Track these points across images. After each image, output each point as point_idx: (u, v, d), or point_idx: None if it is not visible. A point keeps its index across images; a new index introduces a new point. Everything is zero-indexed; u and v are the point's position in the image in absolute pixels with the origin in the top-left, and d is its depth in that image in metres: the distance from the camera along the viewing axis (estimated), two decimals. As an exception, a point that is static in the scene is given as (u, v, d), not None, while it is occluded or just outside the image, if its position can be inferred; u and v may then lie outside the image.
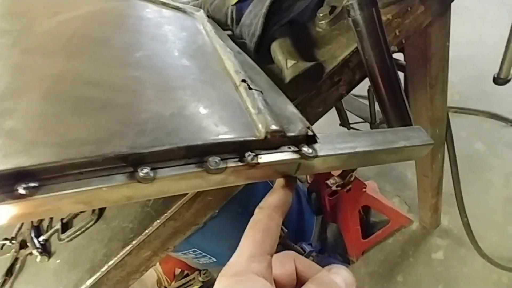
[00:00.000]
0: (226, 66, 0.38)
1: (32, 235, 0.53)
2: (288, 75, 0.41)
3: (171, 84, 0.33)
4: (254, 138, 0.26)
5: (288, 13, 0.51)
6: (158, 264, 1.62)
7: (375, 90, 0.44)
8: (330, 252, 1.43)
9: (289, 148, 0.28)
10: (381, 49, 0.40)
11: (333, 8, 0.49)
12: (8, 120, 0.26)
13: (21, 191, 0.21)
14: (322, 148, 0.28)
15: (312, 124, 0.50)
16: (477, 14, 1.99)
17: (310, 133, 0.28)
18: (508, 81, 0.59)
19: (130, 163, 0.24)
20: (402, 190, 1.50)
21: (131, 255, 0.43)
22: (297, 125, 0.29)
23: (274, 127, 0.27)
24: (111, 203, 0.24)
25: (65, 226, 0.52)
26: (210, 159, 0.25)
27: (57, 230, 0.52)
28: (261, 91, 0.32)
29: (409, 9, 0.45)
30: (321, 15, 0.51)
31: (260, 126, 0.27)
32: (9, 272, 0.52)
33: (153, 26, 0.46)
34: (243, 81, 0.33)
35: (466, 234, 1.01)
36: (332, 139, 0.30)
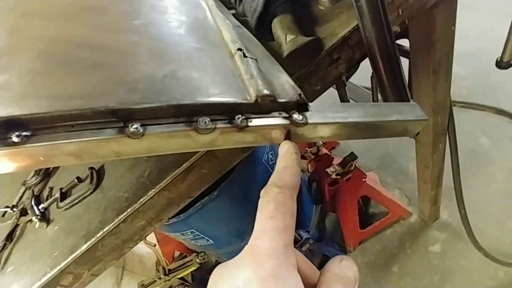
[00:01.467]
0: (224, 36, 0.38)
1: (33, 203, 0.54)
2: (286, 49, 0.41)
3: (166, 50, 0.33)
4: (244, 101, 0.26)
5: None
6: (158, 246, 1.64)
7: (373, 67, 0.43)
8: (328, 240, 1.43)
9: (280, 114, 0.28)
10: (381, 25, 0.39)
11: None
12: (2, 75, 0.26)
13: (14, 139, 0.22)
14: (313, 116, 0.28)
15: (312, 101, 0.49)
16: (491, 7, 1.94)
17: (301, 100, 0.28)
18: (511, 65, 0.57)
19: (120, 118, 0.24)
20: (403, 183, 1.49)
21: (126, 223, 0.44)
22: (289, 92, 0.29)
23: (265, 91, 0.27)
24: (100, 158, 0.25)
25: (64, 195, 0.53)
26: (200, 119, 0.25)
27: (56, 199, 0.53)
28: (255, 59, 0.32)
29: (413, -12, 0.45)
30: (323, -7, 0.50)
31: (251, 90, 0.27)
32: (9, 237, 0.53)
33: (153, -3, 0.46)
34: (239, 49, 0.33)
35: (464, 227, 1.00)
36: (324, 108, 0.30)
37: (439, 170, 0.95)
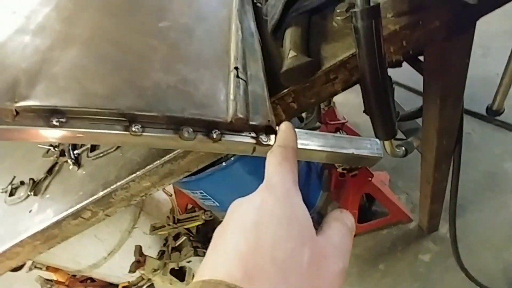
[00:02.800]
0: (231, 48, 0.44)
1: (70, 147, 0.67)
2: (284, 65, 0.46)
3: (178, 58, 0.40)
4: (221, 120, 0.34)
5: (309, 3, 0.54)
6: (174, 197, 1.83)
7: (364, 97, 0.48)
8: (324, 226, 1.52)
9: (250, 133, 0.35)
10: (374, 60, 0.43)
11: (351, 6, 0.51)
12: (53, 67, 0.35)
13: (54, 122, 0.31)
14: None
15: (305, 111, 0.55)
16: None
17: (269, 125, 0.35)
18: (500, 113, 0.57)
19: (127, 119, 0.33)
20: (412, 189, 1.50)
21: (134, 182, 0.55)
22: (261, 117, 0.35)
23: (239, 115, 0.34)
24: (111, 144, 0.34)
25: (93, 147, 0.65)
26: (185, 129, 0.33)
27: (87, 149, 0.65)
28: (245, 81, 0.38)
29: (420, 22, 0.46)
30: (338, 10, 0.53)
31: (230, 111, 0.34)
32: (50, 171, 0.67)
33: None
34: (235, 68, 0.39)
35: (451, 245, 1.03)
36: (289, 134, 0.36)
37: (440, 188, 0.96)
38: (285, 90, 0.48)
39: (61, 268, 1.58)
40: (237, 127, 0.34)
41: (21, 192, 0.69)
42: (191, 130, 0.33)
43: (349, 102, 1.74)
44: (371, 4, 0.41)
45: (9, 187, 0.72)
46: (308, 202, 1.60)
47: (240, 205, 0.26)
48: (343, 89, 0.52)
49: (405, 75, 0.90)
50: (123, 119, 0.33)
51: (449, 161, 0.84)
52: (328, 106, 1.54)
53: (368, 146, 0.38)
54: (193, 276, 1.67)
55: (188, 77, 0.38)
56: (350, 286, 1.36)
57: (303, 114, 1.74)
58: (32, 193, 0.66)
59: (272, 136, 0.35)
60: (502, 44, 1.76)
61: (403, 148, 0.73)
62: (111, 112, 0.32)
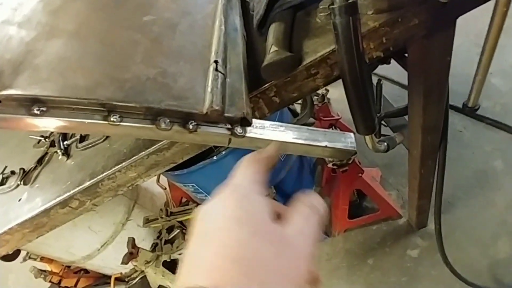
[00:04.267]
0: (213, 42, 0.45)
1: (60, 138, 0.69)
2: (266, 59, 0.47)
3: (159, 51, 0.41)
4: (197, 112, 0.35)
5: (293, -1, 0.55)
6: (169, 190, 1.85)
7: (345, 91, 0.49)
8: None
9: (225, 125, 0.36)
10: (352, 56, 0.44)
11: (332, 2, 0.52)
12: (36, 58, 0.36)
13: (35, 111, 0.33)
14: (252, 131, 0.37)
15: (288, 105, 0.56)
16: None
17: (244, 117, 0.36)
18: (476, 109, 0.58)
19: (106, 109, 0.34)
20: (403, 186, 1.52)
21: (121, 173, 0.56)
22: (237, 109, 0.37)
23: (215, 107, 0.35)
24: (91, 133, 0.35)
25: (83, 138, 0.66)
26: (162, 119, 0.34)
27: (76, 140, 0.66)
28: (224, 74, 0.39)
29: (399, 19, 0.47)
30: (321, 7, 0.55)
31: (206, 103, 0.36)
32: (40, 161, 0.69)
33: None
34: (215, 61, 0.41)
35: (436, 241, 1.05)
36: (265, 126, 0.37)
37: (427, 184, 0.98)
38: (267, 85, 0.49)
39: (55, 259, 1.60)
40: (212, 118, 0.35)
41: (12, 181, 0.70)
42: (168, 121, 0.35)
43: (343, 99, 1.76)
44: (349, 0, 0.42)
45: (0, 177, 0.73)
46: (300, 197, 1.62)
47: (206, 213, 0.26)
48: (325, 84, 0.53)
49: (397, 71, 0.92)
50: (102, 109, 0.34)
51: (434, 157, 0.86)
52: (322, 102, 1.55)
53: (342, 139, 0.39)
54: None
55: (168, 70, 0.39)
56: (339, 280, 1.38)
57: (298, 110, 1.75)
58: (22, 183, 0.68)
59: (248, 128, 0.36)
60: (498, 43, 1.77)
61: (385, 143, 0.74)
62: (91, 102, 0.33)
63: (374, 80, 0.83)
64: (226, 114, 0.36)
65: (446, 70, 0.60)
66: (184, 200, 1.82)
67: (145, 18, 0.45)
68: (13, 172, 0.71)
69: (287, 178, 1.44)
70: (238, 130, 0.36)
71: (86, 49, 0.39)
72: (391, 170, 1.61)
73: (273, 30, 0.52)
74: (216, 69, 0.39)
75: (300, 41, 0.52)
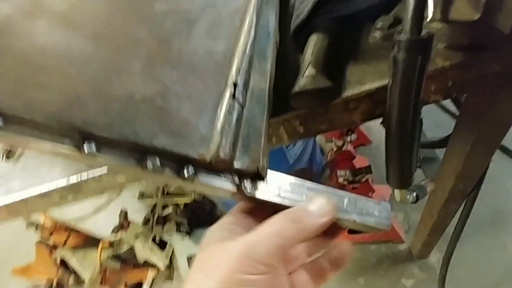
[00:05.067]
0: (236, 52, 0.36)
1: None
2: (298, 85, 0.38)
3: (166, 59, 0.32)
4: (198, 158, 0.27)
5: (345, 7, 0.44)
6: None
7: (386, 136, 0.40)
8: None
9: (231, 176, 0.28)
10: (408, 102, 0.35)
11: (395, 22, 0.41)
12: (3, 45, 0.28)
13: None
14: (264, 190, 0.28)
15: (312, 136, 0.47)
16: None
17: (257, 172, 0.28)
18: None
19: (80, 135, 0.26)
20: (412, 209, 1.44)
21: (108, 176, 0.49)
22: (251, 159, 0.28)
23: (222, 155, 0.27)
24: (58, 157, 0.27)
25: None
26: (150, 159, 0.26)
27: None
28: (242, 105, 0.31)
29: (476, 63, 0.37)
30: (378, 25, 0.44)
31: (212, 146, 0.27)
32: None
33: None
34: (234, 84, 0.32)
35: (438, 282, 0.99)
36: (281, 184, 0.29)
37: (442, 225, 0.90)
38: (294, 112, 0.40)
39: (46, 215, 1.60)
40: (217, 168, 0.27)
41: (-5, 153, 0.64)
42: (158, 163, 0.26)
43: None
44: (424, 32, 0.32)
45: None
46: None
47: (218, 255, 0.25)
48: (362, 121, 0.44)
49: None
50: (74, 134, 0.26)
51: (460, 202, 0.77)
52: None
53: (375, 213, 0.31)
54: (173, 250, 1.68)
55: (171, 89, 0.30)
56: (325, 293, 1.34)
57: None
58: (5, 156, 0.61)
59: (261, 185, 0.28)
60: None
61: (415, 194, 0.65)
62: (62, 124, 0.25)
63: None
64: (235, 166, 0.27)
65: (509, 126, 0.49)
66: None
67: (156, 6, 0.36)
68: (-2, 143, 0.65)
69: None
70: (248, 186, 0.27)
71: (71, 42, 0.30)
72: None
73: (314, 43, 0.42)
74: (234, 97, 0.30)
75: (343, 64, 0.42)
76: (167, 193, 1.47)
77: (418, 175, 1.03)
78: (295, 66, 0.43)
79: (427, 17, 0.36)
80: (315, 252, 0.31)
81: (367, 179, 1.16)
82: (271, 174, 0.29)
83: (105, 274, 1.56)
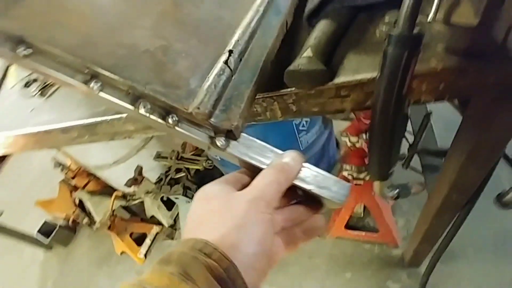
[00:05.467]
0: (241, 24, 0.39)
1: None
2: (293, 64, 0.41)
3: (176, 19, 0.36)
4: (181, 108, 0.31)
5: (358, -2, 0.45)
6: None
7: (369, 128, 0.42)
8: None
9: (209, 131, 0.32)
10: (390, 95, 0.37)
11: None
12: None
13: (20, 51, 0.30)
14: (234, 147, 0.32)
15: (304, 117, 0.50)
16: None
17: (231, 129, 0.32)
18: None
19: (89, 73, 0.31)
20: (415, 216, 1.42)
21: (119, 122, 0.55)
22: (227, 118, 0.32)
23: (202, 109, 0.31)
24: (70, 89, 0.33)
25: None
26: (142, 103, 0.31)
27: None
28: (231, 70, 0.34)
29: (470, 70, 0.38)
30: (386, 20, 0.45)
31: (195, 100, 0.31)
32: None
33: None
34: (230, 51, 0.35)
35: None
36: (251, 145, 0.33)
37: (434, 234, 0.90)
38: (287, 90, 0.43)
39: (72, 158, 1.74)
40: (196, 120, 0.31)
41: (33, 88, 0.72)
42: (149, 106, 0.31)
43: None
44: (416, 29, 0.33)
45: (27, 79, 0.76)
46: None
47: (232, 201, 0.30)
48: (352, 110, 0.46)
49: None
50: (85, 71, 0.31)
51: (452, 214, 0.77)
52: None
53: (333, 188, 0.34)
54: (178, 213, 1.78)
55: (173, 46, 0.34)
56: (312, 280, 1.39)
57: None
58: (39, 93, 0.69)
59: (232, 143, 0.32)
60: None
61: (397, 191, 0.66)
62: (74, 61, 0.30)
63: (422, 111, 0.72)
64: (212, 120, 0.31)
65: (505, 143, 0.49)
66: (197, 149, 1.84)
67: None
68: (35, 80, 0.73)
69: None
70: (220, 141, 0.31)
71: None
72: (409, 196, 1.50)
73: (320, 29, 0.44)
74: (226, 62, 0.34)
75: (345, 51, 0.44)
76: (181, 158, 1.55)
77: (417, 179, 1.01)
78: (302, 46, 0.45)
79: (429, 16, 0.37)
80: (292, 222, 0.34)
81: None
82: (245, 137, 0.33)
83: (115, 221, 1.70)
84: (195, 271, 0.24)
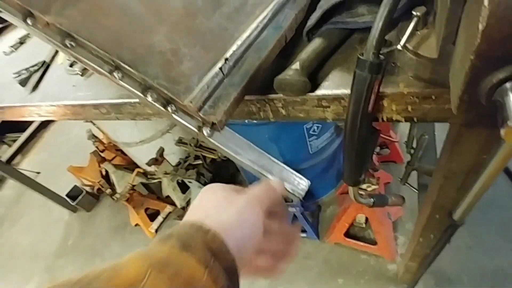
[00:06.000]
0: (241, 36, 0.46)
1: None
2: (282, 73, 0.47)
3: (187, 27, 0.45)
4: (178, 100, 0.39)
5: (352, 23, 0.51)
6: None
7: (343, 138, 0.48)
8: (311, 223, 1.55)
9: (198, 121, 0.40)
10: (356, 111, 0.43)
11: (386, 44, 0.48)
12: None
13: (67, 43, 0.40)
14: (217, 137, 0.40)
15: (294, 121, 0.56)
16: None
17: (215, 122, 0.40)
18: (460, 225, 0.50)
19: (114, 65, 0.40)
20: (416, 237, 1.42)
21: (141, 105, 0.65)
22: (214, 113, 0.40)
23: (193, 103, 0.39)
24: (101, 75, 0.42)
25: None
26: (150, 93, 0.40)
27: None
28: (224, 75, 0.42)
29: (433, 97, 0.42)
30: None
31: (190, 96, 0.39)
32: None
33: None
34: (225, 59, 0.43)
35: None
36: (231, 138, 0.41)
37: (421, 251, 0.92)
38: (275, 95, 0.50)
39: (104, 133, 1.92)
40: (189, 111, 0.40)
41: (76, 68, 0.85)
42: (155, 96, 0.40)
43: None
44: (382, 56, 0.39)
45: (72, 59, 0.89)
46: (313, 193, 1.63)
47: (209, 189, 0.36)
48: (334, 119, 0.52)
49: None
50: (111, 63, 0.40)
51: (437, 233, 0.79)
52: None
53: (294, 182, 0.40)
54: (190, 198, 1.90)
55: (181, 49, 0.42)
56: (303, 281, 1.44)
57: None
58: (81, 73, 0.82)
59: (216, 134, 0.40)
60: None
61: (372, 199, 0.70)
62: (103, 55, 0.40)
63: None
64: (200, 114, 0.39)
65: (479, 167, 0.53)
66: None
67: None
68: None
69: (308, 171, 1.45)
70: (206, 131, 0.40)
71: (129, 1, 0.44)
72: (412, 213, 1.50)
73: (312, 46, 0.51)
74: (221, 68, 0.42)
75: (332, 67, 0.50)
76: (200, 146, 1.66)
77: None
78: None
79: (399, 45, 0.42)
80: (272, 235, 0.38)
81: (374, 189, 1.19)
82: (228, 130, 0.41)
83: (133, 195, 1.86)
84: (193, 244, 0.28)
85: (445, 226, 0.74)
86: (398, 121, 0.48)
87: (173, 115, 0.40)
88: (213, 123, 0.40)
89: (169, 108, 0.40)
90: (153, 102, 0.40)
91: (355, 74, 0.41)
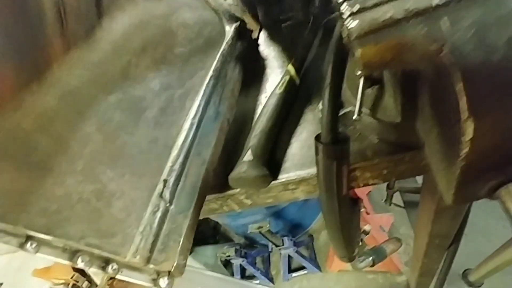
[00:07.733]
0: (177, 141, 0.39)
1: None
2: (235, 171, 0.41)
3: (108, 155, 0.37)
4: (118, 258, 0.31)
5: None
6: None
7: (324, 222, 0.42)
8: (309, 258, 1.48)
9: (150, 274, 0.32)
10: (331, 198, 0.37)
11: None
12: None
13: None
14: (181, 282, 0.32)
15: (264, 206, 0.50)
16: None
17: (171, 270, 0.32)
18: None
19: (23, 236, 0.31)
20: (413, 239, 1.40)
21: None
22: (166, 258, 0.32)
23: (139, 256, 0.31)
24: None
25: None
26: (80, 257, 0.31)
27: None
28: (167, 202, 0.35)
29: (406, 158, 0.38)
30: (320, 107, 0.46)
31: (132, 247, 0.31)
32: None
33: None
34: (164, 180, 0.36)
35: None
36: (192, 279, 0.33)
37: (428, 269, 0.88)
38: (236, 191, 0.44)
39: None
40: (135, 266, 0.31)
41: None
42: (87, 259, 0.31)
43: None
44: (342, 132, 0.34)
45: None
46: (301, 224, 1.57)
47: None
48: (306, 197, 0.46)
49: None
50: (18, 233, 0.31)
51: (440, 253, 0.76)
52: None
53: None
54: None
55: (107, 187, 0.35)
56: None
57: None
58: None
59: (178, 280, 0.32)
60: None
61: (370, 258, 0.66)
62: (5, 228, 0.31)
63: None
64: (150, 265, 0.31)
65: (464, 210, 0.50)
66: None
67: (110, 97, 0.41)
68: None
69: (290, 206, 1.39)
70: (163, 283, 0.31)
71: (33, 142, 0.35)
72: (404, 218, 1.48)
73: (258, 126, 0.45)
74: (161, 195, 0.35)
75: (286, 143, 0.45)
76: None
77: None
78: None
79: (355, 115, 0.38)
80: None
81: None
82: (190, 271, 0.33)
83: (113, 283, 1.67)
84: None
85: (447, 245, 0.71)
86: (376, 184, 0.44)
87: (118, 276, 0.31)
88: (169, 272, 0.32)
89: (109, 270, 0.31)
90: (86, 266, 0.31)
91: (317, 161, 0.35)
